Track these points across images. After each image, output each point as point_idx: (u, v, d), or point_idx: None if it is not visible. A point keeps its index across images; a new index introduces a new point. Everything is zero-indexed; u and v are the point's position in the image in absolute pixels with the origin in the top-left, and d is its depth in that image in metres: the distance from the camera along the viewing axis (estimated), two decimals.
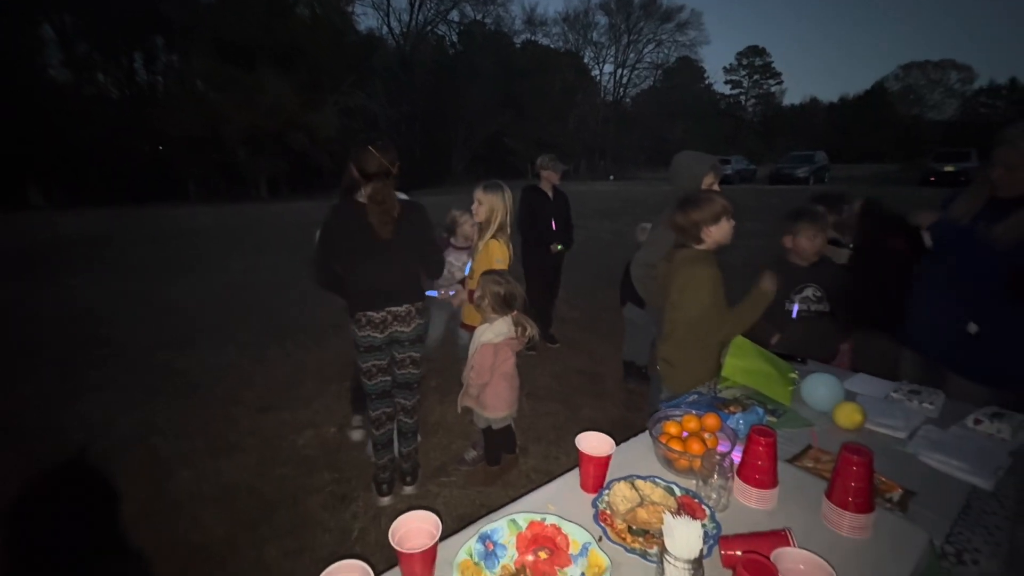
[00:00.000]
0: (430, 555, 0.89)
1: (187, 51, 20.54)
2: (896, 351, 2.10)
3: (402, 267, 2.14)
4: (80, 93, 20.47)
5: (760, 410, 1.53)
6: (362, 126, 22.54)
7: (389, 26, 29.00)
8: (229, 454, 2.76)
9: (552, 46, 34.86)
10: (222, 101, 19.28)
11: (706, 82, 43.75)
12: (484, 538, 0.94)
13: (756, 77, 46.95)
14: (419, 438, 2.46)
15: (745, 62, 46.67)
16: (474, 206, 2.54)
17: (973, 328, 1.70)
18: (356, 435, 2.85)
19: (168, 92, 21.75)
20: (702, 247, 1.88)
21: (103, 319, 5.18)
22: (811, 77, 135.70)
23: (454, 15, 29.91)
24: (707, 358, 1.93)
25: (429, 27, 29.61)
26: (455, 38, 31.28)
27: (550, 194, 3.99)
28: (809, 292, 2.16)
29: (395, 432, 2.39)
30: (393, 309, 2.14)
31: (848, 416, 1.49)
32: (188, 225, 12.45)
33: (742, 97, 47.60)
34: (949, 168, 16.76)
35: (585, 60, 36.26)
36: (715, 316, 1.86)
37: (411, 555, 0.87)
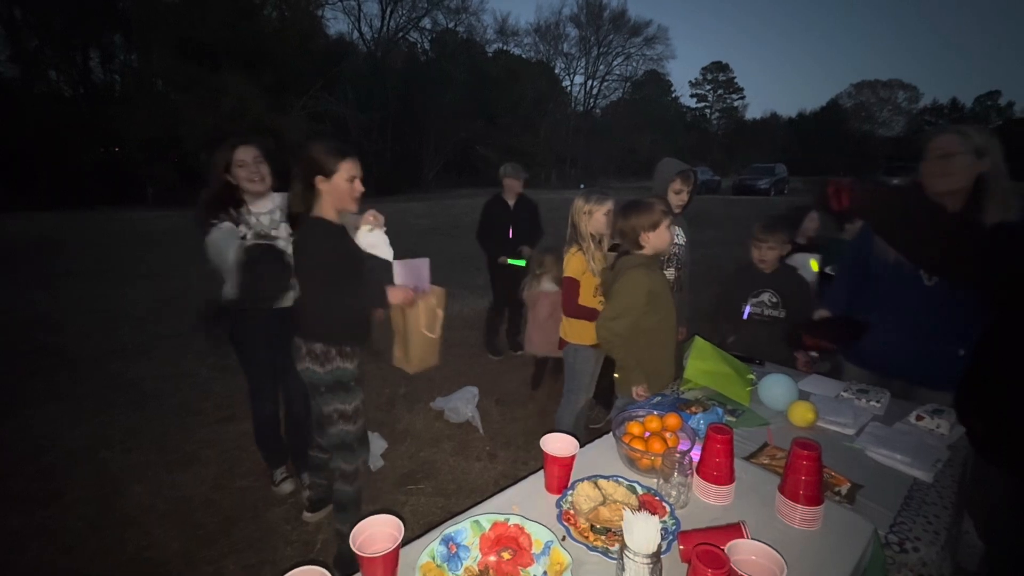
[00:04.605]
0: (392, 559, 0.88)
1: (147, 50, 19.78)
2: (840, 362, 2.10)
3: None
4: (30, 91, 19.42)
5: (720, 410, 1.58)
6: (332, 131, 22.18)
7: (360, 31, 28.60)
8: (185, 466, 2.65)
9: (524, 56, 35.28)
10: (183, 102, 18.60)
11: (673, 95, 44.98)
12: (447, 540, 0.94)
13: (720, 92, 48.62)
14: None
15: (710, 77, 48.29)
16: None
17: (961, 352, 1.60)
18: (286, 487, 2.44)
19: (125, 92, 20.86)
20: (642, 253, 1.92)
21: (52, 327, 4.91)
22: (772, 93, 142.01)
23: (426, 22, 29.81)
24: (655, 363, 1.95)
25: (401, 34, 29.39)
26: (427, 45, 31.21)
27: (511, 203, 3.99)
28: (765, 297, 2.25)
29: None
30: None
31: (802, 415, 1.55)
32: (145, 229, 11.94)
33: (707, 110, 49.18)
34: (897, 181, 17.60)
35: (556, 71, 36.75)
36: (653, 322, 1.90)
37: (372, 559, 0.86)
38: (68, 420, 3.12)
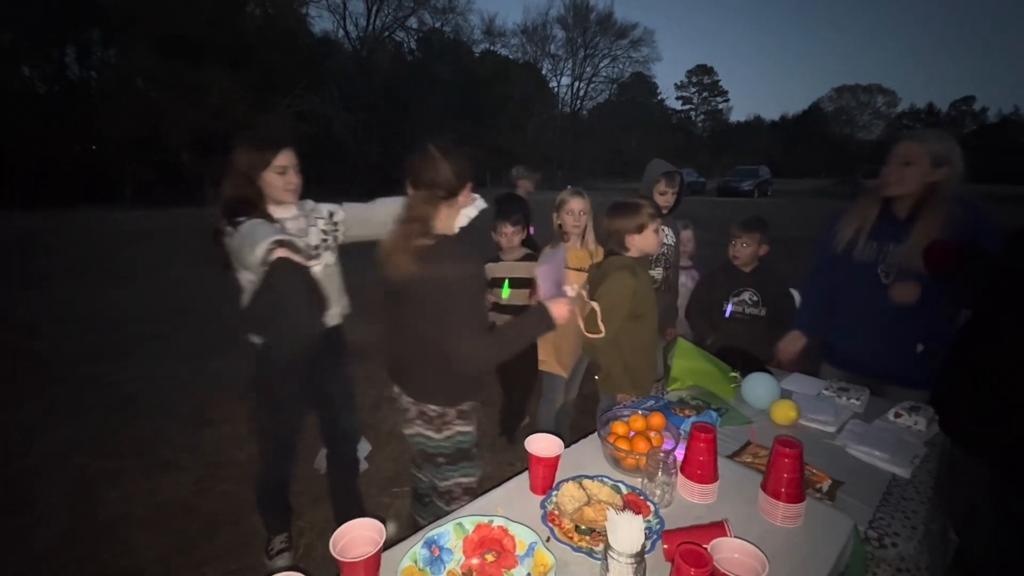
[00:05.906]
0: (373, 563, 0.87)
1: (127, 46, 19.36)
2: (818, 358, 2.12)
3: None
4: (3, 87, 18.89)
5: (713, 413, 1.59)
6: (316, 130, 21.94)
7: (346, 30, 28.36)
8: (164, 472, 2.59)
9: (511, 57, 35.36)
10: (164, 100, 18.25)
11: (659, 97, 45.52)
12: (430, 543, 0.93)
13: (705, 94, 49.30)
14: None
15: (695, 80, 48.92)
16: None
17: (919, 348, 1.72)
18: (281, 561, 1.98)
19: (103, 88, 20.40)
20: (629, 255, 1.88)
21: (26, 329, 4.76)
22: (755, 96, 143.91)
23: (412, 22, 29.70)
24: (639, 364, 1.92)
25: (387, 33, 29.22)
26: (413, 45, 31.09)
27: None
28: (746, 296, 2.28)
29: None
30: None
31: (784, 413, 1.57)
32: (124, 229, 11.69)
33: (692, 113, 49.83)
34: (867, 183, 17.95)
35: (543, 72, 36.99)
36: (637, 324, 1.87)
37: (354, 564, 0.85)
38: (42, 424, 3.03)
